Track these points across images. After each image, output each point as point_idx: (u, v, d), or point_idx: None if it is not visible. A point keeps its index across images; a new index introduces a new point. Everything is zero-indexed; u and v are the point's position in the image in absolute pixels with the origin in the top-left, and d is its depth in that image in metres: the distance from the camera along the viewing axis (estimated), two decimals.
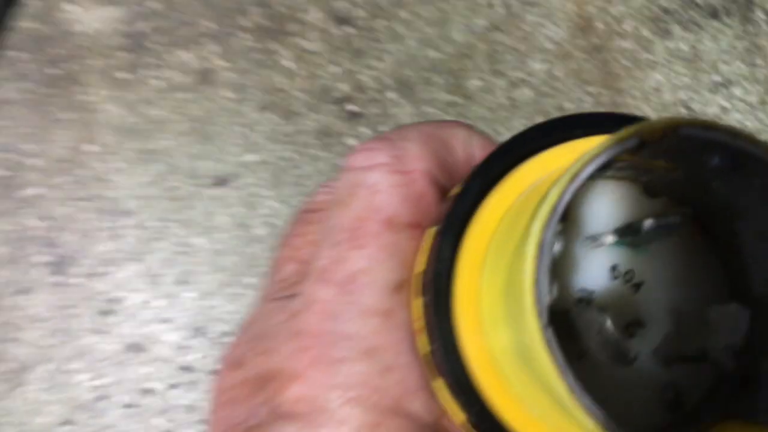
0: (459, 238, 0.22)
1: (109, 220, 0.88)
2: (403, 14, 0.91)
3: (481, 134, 0.27)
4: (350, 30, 0.91)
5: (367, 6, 0.92)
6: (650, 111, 0.90)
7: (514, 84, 0.90)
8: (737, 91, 0.90)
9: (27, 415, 0.87)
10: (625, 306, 0.22)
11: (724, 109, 0.90)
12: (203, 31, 0.91)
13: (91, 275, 0.87)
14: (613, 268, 0.22)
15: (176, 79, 0.90)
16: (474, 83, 0.90)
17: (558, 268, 0.21)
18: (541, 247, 0.17)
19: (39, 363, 0.87)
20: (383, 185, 0.23)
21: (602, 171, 0.20)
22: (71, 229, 0.88)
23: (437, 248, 0.22)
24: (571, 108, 0.90)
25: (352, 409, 0.21)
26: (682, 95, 0.90)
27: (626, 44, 0.91)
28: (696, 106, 0.90)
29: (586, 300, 0.21)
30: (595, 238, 0.22)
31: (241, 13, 0.91)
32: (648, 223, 0.21)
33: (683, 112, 0.90)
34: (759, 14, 0.91)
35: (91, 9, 0.91)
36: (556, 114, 0.89)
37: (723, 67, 0.90)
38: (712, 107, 0.90)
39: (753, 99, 0.90)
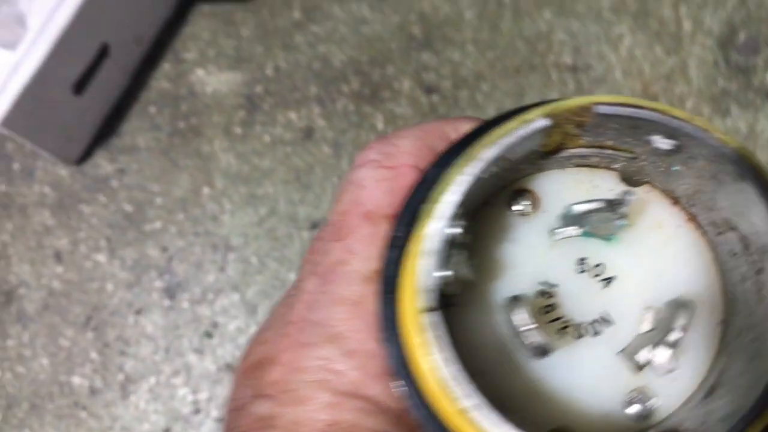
0: (411, 225, 0.21)
1: (217, 254, 1.00)
2: (484, 86, 1.03)
3: None
4: (436, 98, 1.03)
5: (453, 78, 1.04)
6: None
7: None
8: None
9: (133, 422, 0.98)
10: (592, 302, 0.20)
11: None
12: (309, 95, 1.04)
13: (197, 301, 0.99)
14: (581, 261, 0.20)
15: (283, 135, 1.03)
16: None
17: (521, 258, 0.20)
18: (425, 235, 0.17)
19: (147, 376, 0.99)
20: (368, 180, 0.23)
21: (551, 157, 0.20)
22: (185, 260, 1.01)
23: (389, 236, 0.21)
24: None
25: (313, 391, 0.21)
26: None
27: None
28: None
29: (548, 294, 0.20)
30: (559, 230, 0.21)
31: (343, 82, 1.05)
32: (578, 207, 0.20)
33: None
34: None
35: (217, 74, 1.06)
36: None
37: None
38: None
39: None
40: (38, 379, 1.00)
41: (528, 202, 0.21)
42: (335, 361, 0.21)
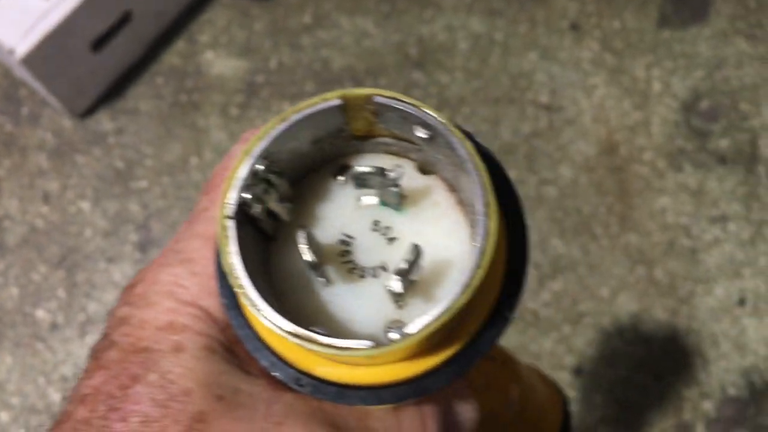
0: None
1: None
2: (465, 110, 1.12)
3: None
4: None
5: (438, 98, 1.12)
6: (654, 227, 1.05)
7: (543, 182, 1.07)
8: (732, 227, 1.05)
9: (86, 360, 1.03)
10: (377, 253, 0.26)
11: (717, 239, 1.04)
12: (305, 91, 1.13)
13: None
14: (376, 223, 0.26)
15: None
16: (510, 174, 1.08)
17: (332, 214, 0.26)
18: (236, 170, 0.23)
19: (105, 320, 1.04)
20: (237, 151, 0.28)
21: (363, 142, 0.26)
22: (162, 220, 1.08)
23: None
24: (587, 210, 1.06)
25: (161, 299, 0.26)
26: (684, 221, 1.05)
27: (643, 170, 1.07)
28: (694, 231, 1.04)
29: (346, 242, 0.26)
30: (363, 197, 0.26)
31: (338, 84, 1.13)
32: (358, 168, 0.25)
33: (682, 234, 1.04)
34: (761, 168, 1.07)
35: (225, 58, 1.15)
36: (575, 213, 1.05)
37: (723, 205, 1.06)
38: (707, 235, 1.04)
39: (745, 236, 1.04)
40: (4, 306, 1.05)
41: (346, 175, 0.27)
42: (183, 278, 0.26)
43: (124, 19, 1.06)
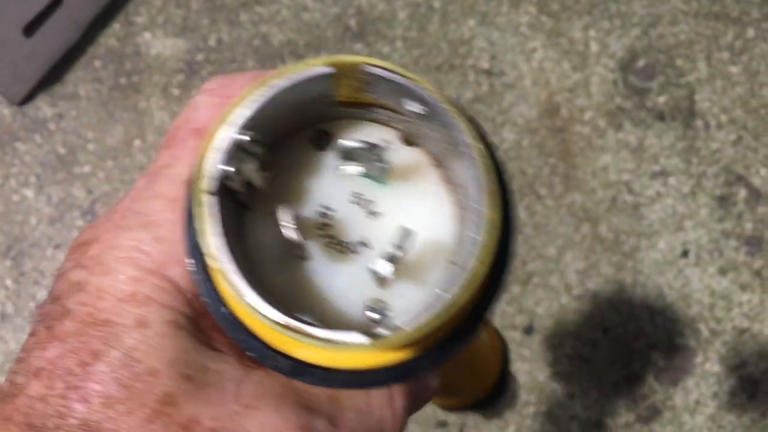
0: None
1: None
2: None
3: None
4: None
5: None
6: (597, 185, 1.06)
7: None
8: (672, 181, 1.07)
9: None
10: (358, 228, 0.24)
11: (659, 194, 1.06)
12: (246, 68, 1.12)
13: None
14: (357, 195, 0.24)
15: None
16: None
17: (310, 185, 0.25)
18: (215, 136, 0.22)
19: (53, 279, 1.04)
20: (202, 103, 0.27)
21: (355, 111, 0.25)
22: (108, 204, 1.07)
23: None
24: (531, 172, 1.07)
25: (121, 266, 0.24)
26: (625, 177, 1.07)
27: (584, 129, 1.09)
28: (636, 187, 1.06)
29: (326, 215, 0.24)
30: (343, 167, 0.24)
31: (279, 59, 1.13)
32: (344, 143, 0.23)
33: (624, 191, 1.06)
34: (698, 122, 1.09)
35: (163, 38, 1.14)
36: (519, 175, 1.07)
37: (663, 160, 1.08)
38: (649, 191, 1.06)
39: (685, 189, 1.06)
40: None
41: (325, 142, 0.25)
42: (145, 244, 0.24)
43: (56, 2, 1.05)
